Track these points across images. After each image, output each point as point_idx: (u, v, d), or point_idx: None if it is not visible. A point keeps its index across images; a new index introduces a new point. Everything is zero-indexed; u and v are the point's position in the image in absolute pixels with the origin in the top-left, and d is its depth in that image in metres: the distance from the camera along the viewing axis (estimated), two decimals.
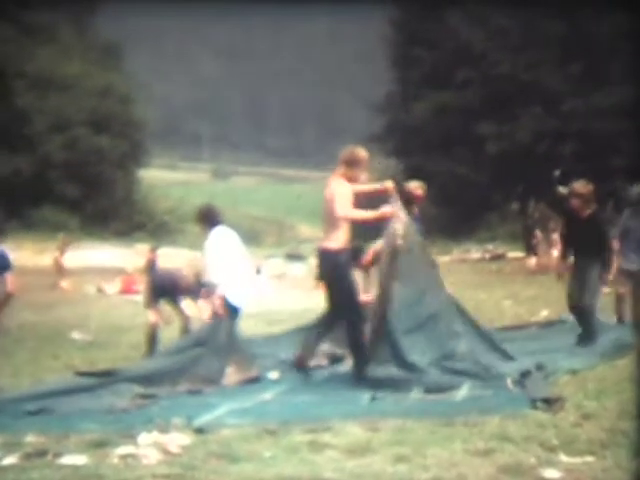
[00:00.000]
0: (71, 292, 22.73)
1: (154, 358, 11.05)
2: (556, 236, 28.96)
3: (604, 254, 11.54)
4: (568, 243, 12.17)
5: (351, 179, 9.75)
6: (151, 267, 12.90)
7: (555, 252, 28.52)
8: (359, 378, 9.48)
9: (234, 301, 10.38)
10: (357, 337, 9.70)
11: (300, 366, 9.85)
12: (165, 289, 12.15)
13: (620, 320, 12.90)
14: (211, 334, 10.38)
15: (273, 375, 10.26)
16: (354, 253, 10.99)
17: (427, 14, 47.76)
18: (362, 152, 9.96)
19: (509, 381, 9.04)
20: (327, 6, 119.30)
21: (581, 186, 12.05)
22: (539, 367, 9.46)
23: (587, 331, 11.37)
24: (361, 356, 9.65)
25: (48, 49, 50.13)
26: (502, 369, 9.44)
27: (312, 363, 10.05)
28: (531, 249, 27.89)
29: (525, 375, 9.14)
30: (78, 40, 53.33)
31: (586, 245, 11.54)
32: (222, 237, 10.69)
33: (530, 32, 45.19)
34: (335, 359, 10.74)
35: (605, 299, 13.03)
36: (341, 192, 9.56)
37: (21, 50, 48.55)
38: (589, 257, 11.51)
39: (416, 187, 11.35)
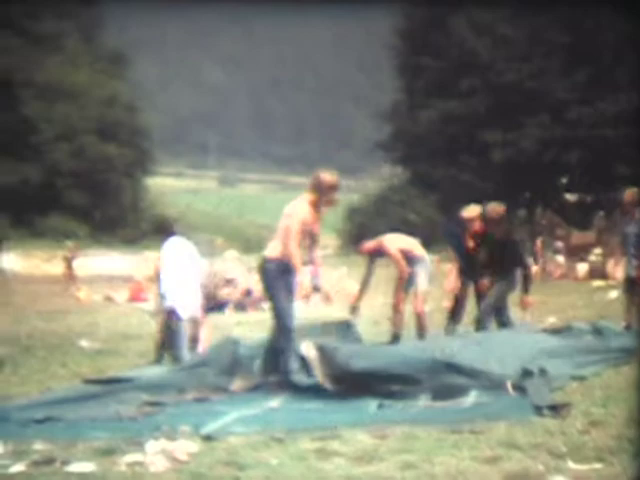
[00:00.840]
0: (87, 302, 22.62)
1: (162, 367, 11.05)
2: (560, 244, 29.03)
3: (512, 274, 11.90)
4: (474, 264, 12.32)
5: (316, 204, 9.75)
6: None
7: (560, 258, 28.61)
8: (265, 385, 9.51)
9: (179, 310, 10.56)
10: (280, 345, 9.73)
11: None
12: None
13: (628, 327, 12.83)
14: (216, 355, 10.47)
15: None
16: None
17: (433, 23, 47.81)
18: (328, 177, 9.90)
19: (509, 385, 9.01)
20: (332, 15, 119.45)
21: (494, 208, 12.28)
22: (542, 372, 9.42)
23: None
24: (277, 364, 9.67)
25: (55, 59, 50.33)
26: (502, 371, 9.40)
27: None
28: (533, 257, 27.85)
29: (526, 376, 9.10)
30: (85, 49, 53.52)
31: (496, 266, 11.86)
32: (173, 248, 10.85)
33: (535, 41, 45.26)
34: None
35: (613, 305, 13.03)
36: (296, 212, 9.60)
37: (28, 60, 48.74)
38: (499, 276, 11.88)
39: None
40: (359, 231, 45.19)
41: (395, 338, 12.07)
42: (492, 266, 12.00)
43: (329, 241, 58.67)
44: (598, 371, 9.84)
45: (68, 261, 25.96)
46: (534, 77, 44.55)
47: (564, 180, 46.97)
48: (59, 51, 51.27)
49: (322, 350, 9.69)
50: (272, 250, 9.83)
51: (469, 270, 12.47)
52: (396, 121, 50.36)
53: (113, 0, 59.02)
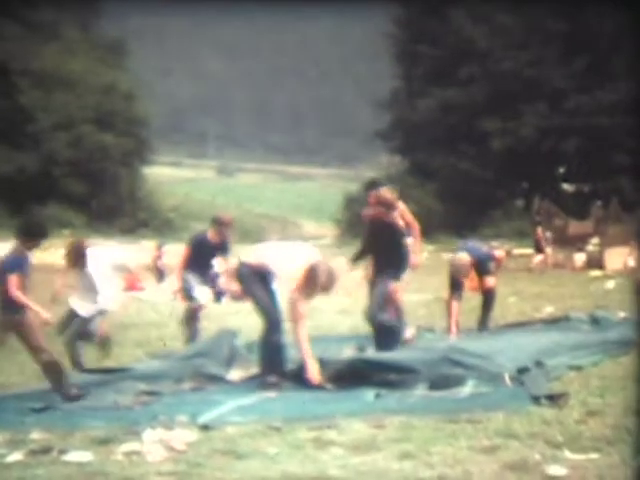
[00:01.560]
0: None
1: (157, 358, 11.08)
2: (549, 233, 28.99)
3: (399, 264, 11.31)
4: (367, 252, 11.72)
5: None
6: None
7: (549, 250, 28.62)
8: (262, 383, 9.50)
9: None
10: (268, 344, 9.75)
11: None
12: None
13: None
14: (213, 347, 10.49)
15: None
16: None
17: (431, 12, 47.77)
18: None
19: (507, 377, 9.02)
20: (331, 4, 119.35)
21: (386, 192, 11.64)
22: (538, 364, 9.43)
23: (380, 344, 10.96)
24: (268, 363, 9.69)
25: (53, 47, 50.25)
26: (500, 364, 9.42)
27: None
28: (536, 246, 27.83)
29: (522, 371, 9.12)
30: (82, 38, 53.44)
31: (383, 254, 11.27)
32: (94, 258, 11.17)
33: (533, 29, 45.23)
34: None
35: (610, 295, 13.02)
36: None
37: (26, 48, 48.69)
38: (385, 267, 11.20)
39: None
40: (357, 220, 45.17)
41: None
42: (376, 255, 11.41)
43: (327, 231, 58.74)
44: (595, 361, 9.85)
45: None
46: (532, 65, 44.54)
47: (562, 170, 47.00)
48: (57, 39, 51.15)
49: None
50: (248, 256, 9.91)
51: None
52: (395, 110, 50.36)
53: None
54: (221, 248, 12.45)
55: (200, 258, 12.44)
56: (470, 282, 12.87)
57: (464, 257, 12.44)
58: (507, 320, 13.97)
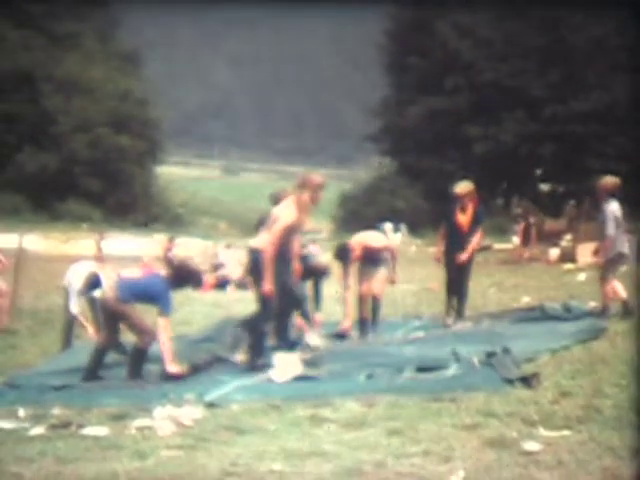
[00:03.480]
0: None
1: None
2: (517, 227, 28.96)
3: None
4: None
5: (302, 201, 9.67)
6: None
7: (515, 239, 28.63)
8: (251, 366, 9.46)
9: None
10: (258, 324, 9.69)
11: None
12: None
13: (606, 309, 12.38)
14: (219, 332, 10.48)
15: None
16: (341, 251, 11.21)
17: (419, 26, 47.70)
18: (315, 177, 9.85)
19: (476, 361, 9.02)
20: (329, 18, 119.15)
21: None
22: (505, 350, 9.40)
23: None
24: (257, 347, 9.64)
25: (73, 56, 50.15)
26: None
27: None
28: (523, 239, 27.74)
29: (491, 356, 9.11)
30: (101, 48, 53.31)
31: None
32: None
33: (513, 42, 45.17)
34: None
35: (581, 286, 13.00)
36: (282, 217, 9.55)
37: (50, 57, 48.71)
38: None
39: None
40: (351, 217, 45.18)
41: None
42: None
43: (323, 226, 58.65)
44: (568, 346, 9.84)
45: (98, 243, 25.92)
46: (512, 76, 44.50)
47: (538, 171, 46.99)
48: (77, 49, 51.03)
49: None
50: (258, 241, 9.77)
51: (457, 245, 11.96)
52: (386, 116, 50.25)
53: (128, 3, 58.90)
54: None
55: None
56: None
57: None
58: (488, 309, 13.96)
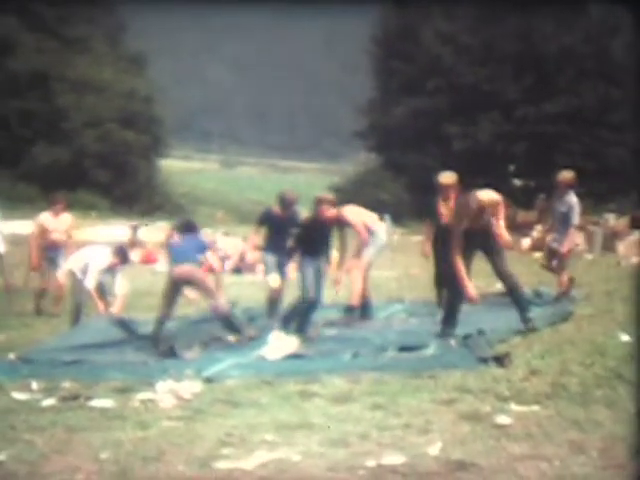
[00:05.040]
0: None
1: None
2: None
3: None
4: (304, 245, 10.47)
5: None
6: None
7: None
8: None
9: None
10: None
11: None
12: None
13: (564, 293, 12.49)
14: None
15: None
16: None
17: (404, 33, 47.63)
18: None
19: (453, 342, 9.04)
20: (321, 24, 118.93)
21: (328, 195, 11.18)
22: (480, 332, 9.41)
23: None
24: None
25: (84, 58, 49.99)
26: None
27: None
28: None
29: (467, 337, 9.12)
30: (110, 50, 53.12)
31: (319, 247, 10.35)
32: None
33: (491, 49, 45.19)
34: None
35: (550, 274, 13.02)
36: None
37: (62, 59, 48.55)
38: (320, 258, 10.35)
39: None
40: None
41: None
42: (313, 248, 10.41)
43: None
44: (537, 328, 9.86)
45: (133, 230, 25.84)
46: (489, 80, 44.50)
47: (512, 167, 47.02)
48: (87, 52, 50.83)
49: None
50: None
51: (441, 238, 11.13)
52: (372, 115, 50.14)
53: (134, 8, 58.58)
54: (291, 223, 10.87)
55: (275, 235, 10.99)
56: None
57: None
58: None
